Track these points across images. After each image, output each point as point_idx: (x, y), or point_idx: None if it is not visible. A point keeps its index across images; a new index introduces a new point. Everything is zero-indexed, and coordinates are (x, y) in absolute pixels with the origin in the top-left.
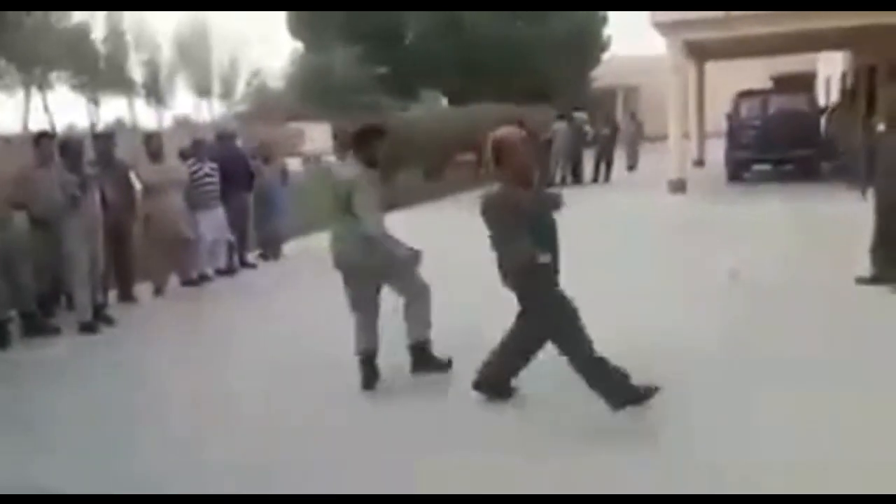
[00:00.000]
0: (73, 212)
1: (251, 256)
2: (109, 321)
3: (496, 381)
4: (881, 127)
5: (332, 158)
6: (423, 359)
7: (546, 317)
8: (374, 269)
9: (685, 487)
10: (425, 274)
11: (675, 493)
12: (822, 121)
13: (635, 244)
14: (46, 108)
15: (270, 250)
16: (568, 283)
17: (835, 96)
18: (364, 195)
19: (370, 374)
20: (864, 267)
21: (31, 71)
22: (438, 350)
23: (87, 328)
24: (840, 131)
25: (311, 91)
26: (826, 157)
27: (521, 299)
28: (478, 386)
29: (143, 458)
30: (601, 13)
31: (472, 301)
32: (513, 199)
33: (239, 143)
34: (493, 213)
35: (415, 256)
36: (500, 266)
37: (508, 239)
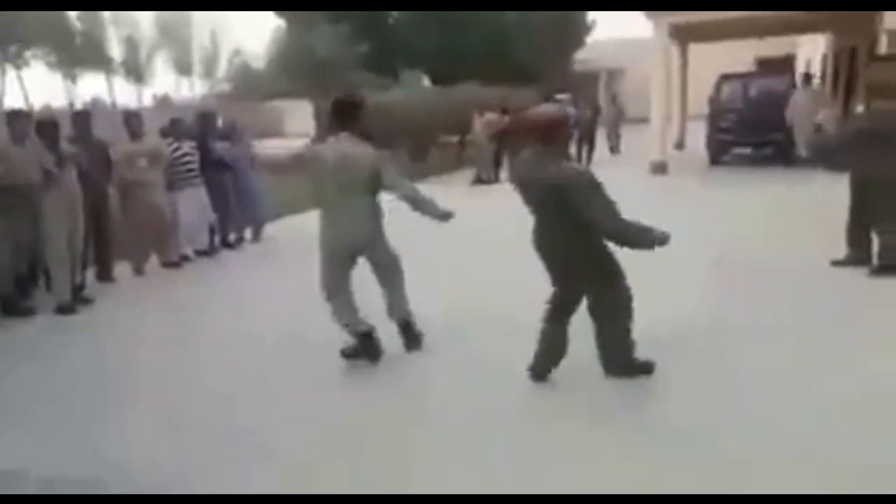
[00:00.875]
0: (50, 189)
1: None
2: (88, 302)
3: (549, 366)
4: (860, 108)
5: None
6: (414, 335)
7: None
8: (363, 248)
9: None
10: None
11: (674, 489)
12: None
13: None
14: (23, 86)
15: (252, 232)
16: None
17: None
18: (391, 166)
19: (374, 347)
20: (842, 249)
21: (6, 49)
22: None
23: (65, 309)
24: (805, 112)
25: (294, 69)
26: (792, 141)
27: (587, 270)
28: (534, 374)
29: (117, 438)
30: None
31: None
32: (593, 176)
33: (220, 122)
34: (583, 186)
35: (447, 214)
36: (573, 240)
37: (612, 214)
